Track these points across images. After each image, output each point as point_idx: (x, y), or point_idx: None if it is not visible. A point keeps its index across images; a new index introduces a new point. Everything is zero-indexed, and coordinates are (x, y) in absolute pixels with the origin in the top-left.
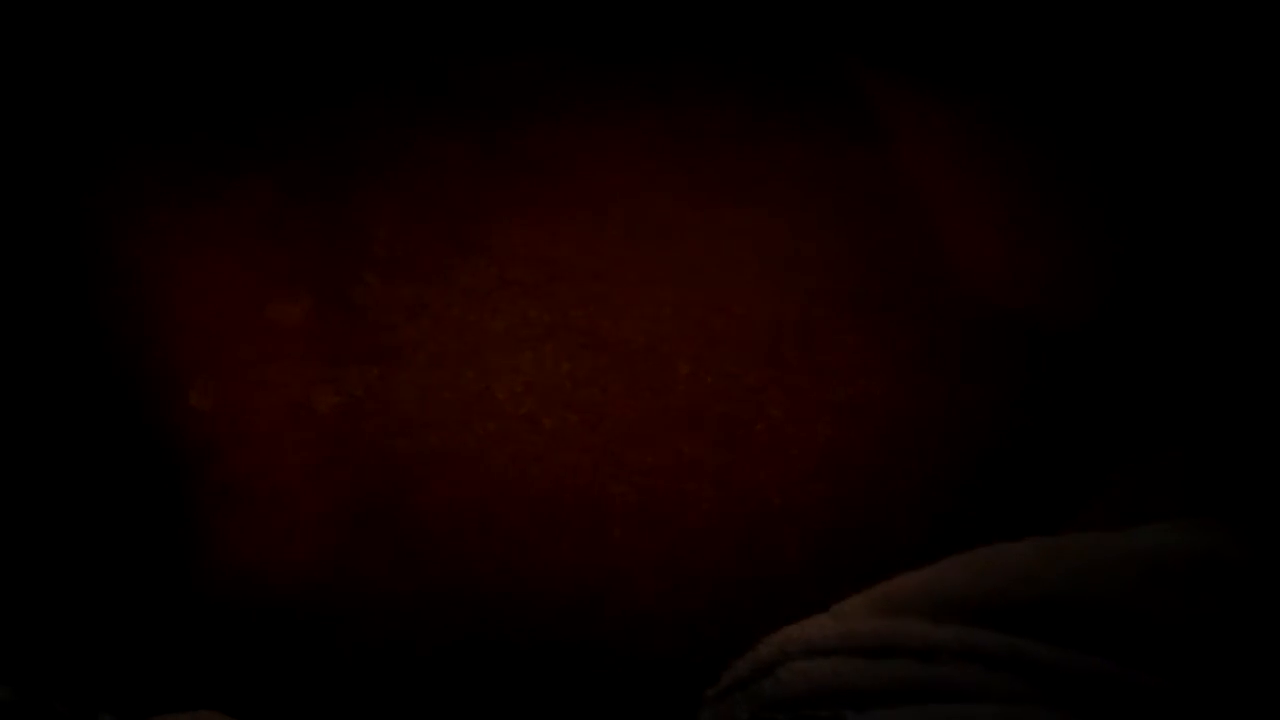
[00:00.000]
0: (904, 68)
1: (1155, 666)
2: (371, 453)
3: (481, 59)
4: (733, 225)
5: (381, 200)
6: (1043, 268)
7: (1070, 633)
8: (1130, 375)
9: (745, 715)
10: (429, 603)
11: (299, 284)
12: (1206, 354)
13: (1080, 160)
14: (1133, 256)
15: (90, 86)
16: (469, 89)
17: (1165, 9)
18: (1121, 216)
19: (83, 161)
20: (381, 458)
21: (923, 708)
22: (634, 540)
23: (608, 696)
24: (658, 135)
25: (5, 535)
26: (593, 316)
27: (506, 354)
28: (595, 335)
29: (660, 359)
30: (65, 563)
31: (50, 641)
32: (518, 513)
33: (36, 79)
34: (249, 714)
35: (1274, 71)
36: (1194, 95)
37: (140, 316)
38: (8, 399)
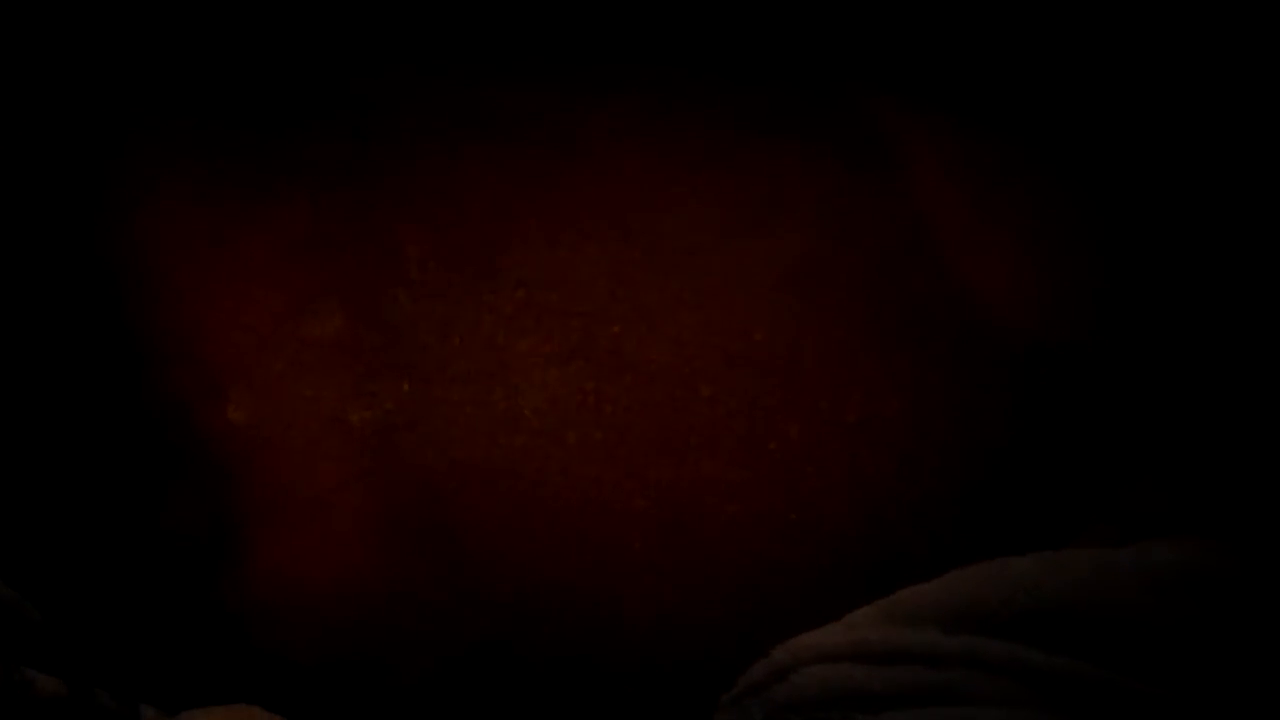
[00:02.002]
0: (919, 100)
1: (1149, 674)
2: (403, 465)
3: (512, 90)
4: (753, 251)
5: (414, 222)
6: (1047, 291)
7: (1069, 641)
8: (1130, 393)
9: (759, 718)
10: (457, 608)
11: (333, 302)
12: (1199, 374)
13: (1083, 190)
14: (1131, 281)
15: (132, 103)
16: (500, 118)
17: (1165, 53)
18: (1122, 242)
19: (124, 180)
20: (412, 470)
21: (929, 711)
22: (654, 551)
23: (626, 699)
24: (682, 164)
25: (52, 540)
26: (617, 338)
27: (533, 372)
28: (619, 355)
29: (682, 379)
30: (108, 566)
31: (96, 641)
32: (543, 523)
33: (80, 96)
34: (284, 711)
35: (1271, 108)
36: (1194, 129)
37: (180, 331)
38: (55, 412)
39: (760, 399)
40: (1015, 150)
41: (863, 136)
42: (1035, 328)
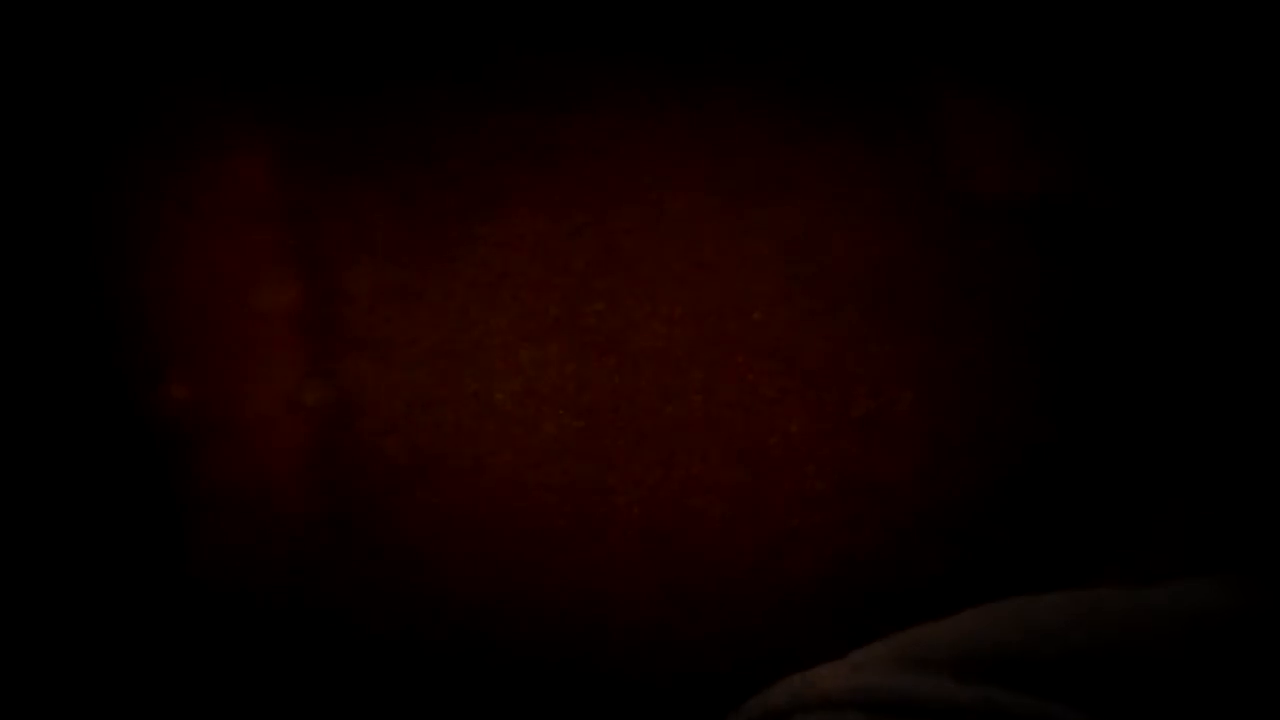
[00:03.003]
0: (939, 67)
1: None
2: (360, 453)
3: (499, 43)
4: (756, 223)
5: (381, 181)
6: (1074, 277)
7: (1101, 695)
8: (1165, 390)
9: None
10: (416, 614)
11: (290, 267)
12: (1234, 389)
13: (1110, 172)
14: (1157, 270)
15: (74, 42)
16: (482, 73)
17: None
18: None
19: (63, 120)
20: (371, 458)
21: None
22: (637, 558)
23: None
24: (683, 126)
25: None
26: (601, 315)
27: (507, 351)
28: (603, 335)
29: (672, 364)
30: (36, 557)
31: (25, 638)
32: (514, 523)
33: (52, 51)
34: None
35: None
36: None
37: (119, 297)
38: None
39: (758, 388)
40: (1040, 117)
41: (875, 105)
42: (1064, 318)
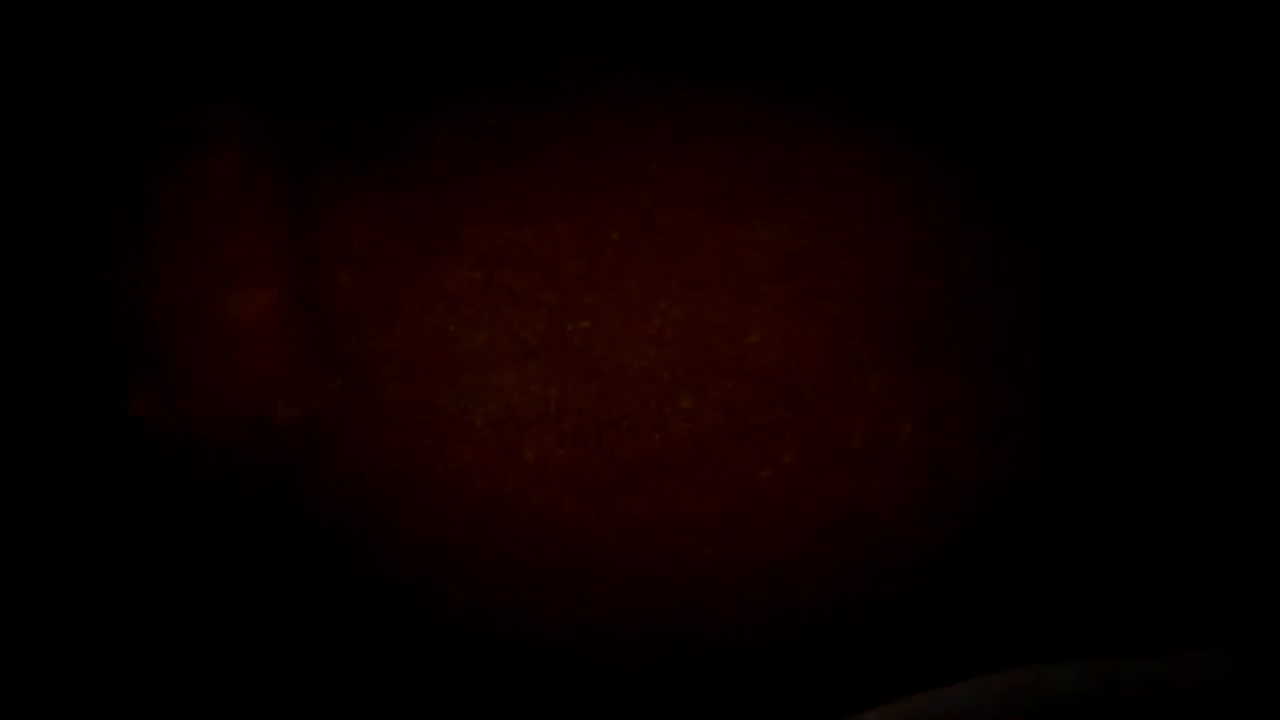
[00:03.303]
0: (959, 69)
1: None
2: (332, 478)
3: (498, 41)
4: (753, 238)
5: (360, 187)
6: (1080, 291)
7: None
8: (1167, 437)
9: None
10: (389, 653)
11: (263, 275)
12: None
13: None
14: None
15: (49, 38)
16: (479, 72)
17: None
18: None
19: (35, 118)
20: (343, 484)
21: None
22: (619, 597)
23: None
24: (681, 129)
25: None
26: (587, 334)
27: (487, 371)
28: (588, 356)
29: (660, 388)
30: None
31: None
32: (491, 557)
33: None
34: None
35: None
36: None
37: (80, 301)
38: None
39: (751, 415)
40: (1041, 116)
41: (875, 106)
42: (1065, 321)
